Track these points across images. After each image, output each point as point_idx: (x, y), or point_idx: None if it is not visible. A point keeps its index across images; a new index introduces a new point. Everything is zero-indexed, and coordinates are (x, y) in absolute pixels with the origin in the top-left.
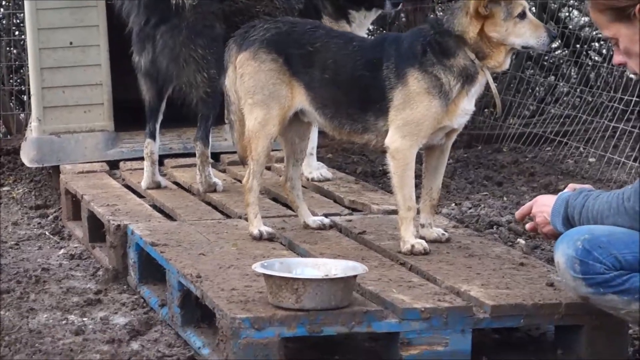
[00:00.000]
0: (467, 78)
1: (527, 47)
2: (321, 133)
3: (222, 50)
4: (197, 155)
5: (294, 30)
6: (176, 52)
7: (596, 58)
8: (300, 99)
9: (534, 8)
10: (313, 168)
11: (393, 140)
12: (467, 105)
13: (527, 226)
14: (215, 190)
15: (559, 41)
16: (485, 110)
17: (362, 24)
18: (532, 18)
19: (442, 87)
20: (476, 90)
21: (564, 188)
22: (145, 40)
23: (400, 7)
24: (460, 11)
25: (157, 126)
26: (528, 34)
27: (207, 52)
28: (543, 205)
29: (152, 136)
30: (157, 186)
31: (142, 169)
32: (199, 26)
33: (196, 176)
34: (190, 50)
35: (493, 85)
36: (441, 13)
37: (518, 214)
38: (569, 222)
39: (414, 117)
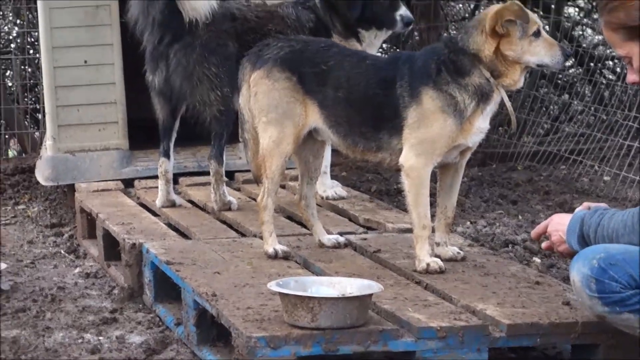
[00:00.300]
0: (482, 96)
1: (542, 65)
2: (335, 151)
3: (235, 69)
4: (211, 173)
5: (307, 49)
6: (189, 70)
7: (610, 76)
8: (314, 118)
9: (547, 27)
10: (327, 186)
11: (407, 158)
12: (481, 124)
13: (543, 245)
14: (229, 209)
15: (573, 60)
16: (500, 128)
17: (372, 44)
18: (547, 36)
19: (457, 106)
20: (491, 108)
21: (579, 206)
22: (158, 58)
23: (411, 27)
24: (475, 30)
25: (171, 145)
26: (543, 52)
27: (221, 70)
28: (558, 224)
29: (166, 155)
30: (172, 204)
31: (157, 187)
32: (213, 44)
33: (211, 194)
34: (203, 69)
35: (508, 103)
36: (454, 32)
37: (534, 232)
38: (584, 241)
39: (429, 136)
